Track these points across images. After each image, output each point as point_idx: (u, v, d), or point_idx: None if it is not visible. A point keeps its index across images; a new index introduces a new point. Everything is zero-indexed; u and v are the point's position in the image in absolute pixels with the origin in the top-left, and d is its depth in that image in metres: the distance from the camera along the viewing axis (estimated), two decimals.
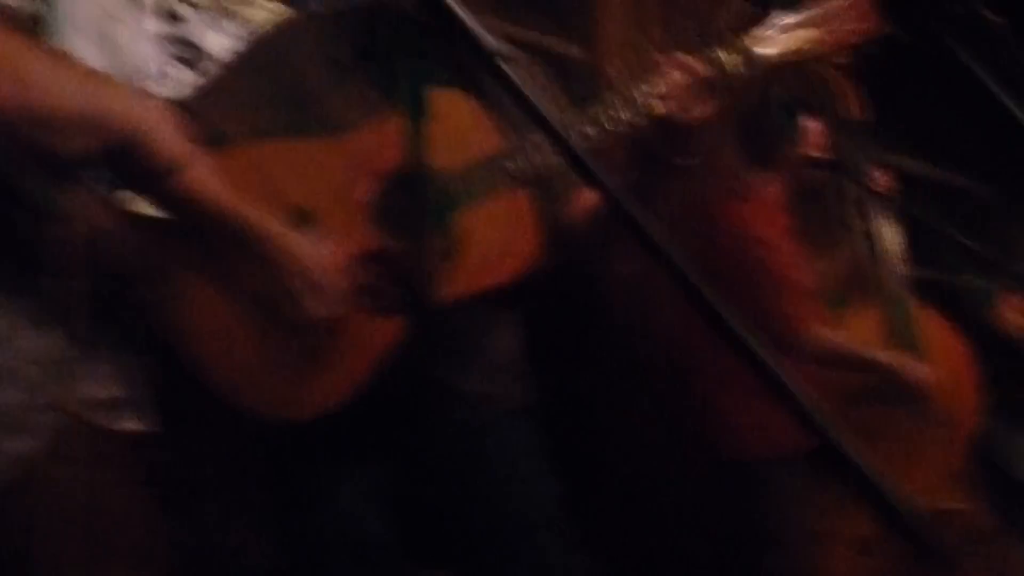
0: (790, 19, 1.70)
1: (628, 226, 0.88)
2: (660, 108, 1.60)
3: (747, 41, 1.67)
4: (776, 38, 1.67)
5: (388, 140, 1.54)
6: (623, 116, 1.61)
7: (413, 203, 1.58)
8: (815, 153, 2.88)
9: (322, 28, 1.73)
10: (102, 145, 1.14)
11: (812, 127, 2.91)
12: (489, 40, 0.95)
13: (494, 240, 1.62)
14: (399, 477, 0.94)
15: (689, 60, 1.63)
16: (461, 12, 0.95)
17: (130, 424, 1.22)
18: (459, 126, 1.64)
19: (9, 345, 1.09)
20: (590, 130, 1.61)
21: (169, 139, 1.19)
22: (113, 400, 1.20)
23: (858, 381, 2.85)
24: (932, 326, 3.04)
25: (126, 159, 1.16)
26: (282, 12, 2.21)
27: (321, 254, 1.47)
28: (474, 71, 1.59)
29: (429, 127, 1.57)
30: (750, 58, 1.66)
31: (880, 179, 3.00)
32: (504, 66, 0.94)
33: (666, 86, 1.61)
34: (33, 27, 1.11)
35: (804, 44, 1.66)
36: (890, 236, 3.06)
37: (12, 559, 1.07)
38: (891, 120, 2.39)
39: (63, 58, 1.17)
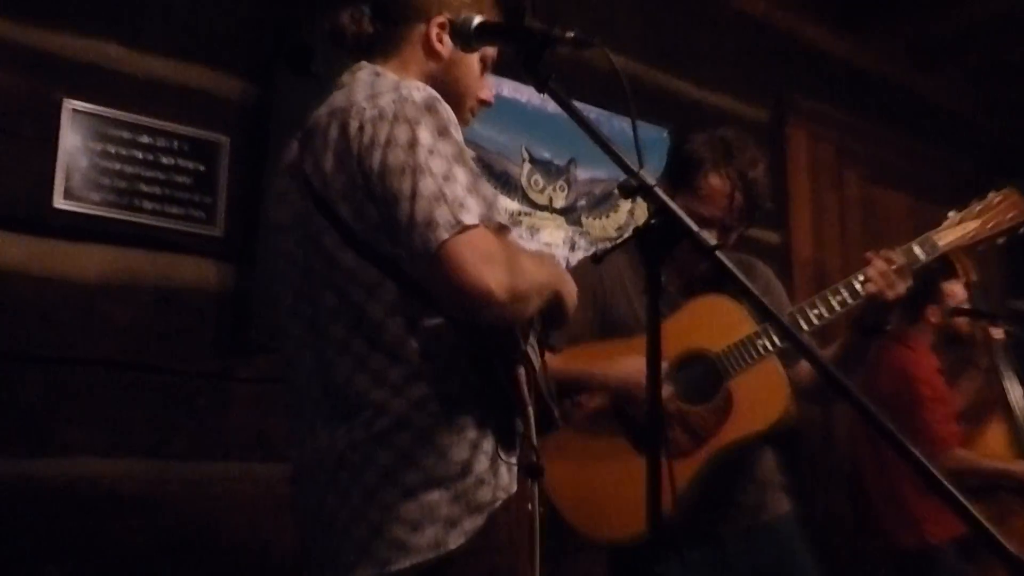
0: (958, 214, 2.14)
1: (833, 385, 1.18)
2: (869, 288, 2.13)
3: (931, 235, 2.24)
4: (950, 230, 2.11)
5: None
6: (842, 297, 2.19)
7: (698, 376, 2.20)
8: (956, 306, 3.64)
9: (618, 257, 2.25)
10: (547, 304, 1.58)
11: (952, 289, 3.63)
12: (708, 237, 1.27)
13: (756, 398, 2.17)
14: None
15: (891, 253, 2.16)
16: (688, 220, 1.28)
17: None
18: (722, 319, 2.23)
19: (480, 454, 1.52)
20: (818, 310, 2.20)
21: (569, 286, 1.66)
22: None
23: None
24: None
25: (554, 310, 1.62)
26: (559, 224, 3.22)
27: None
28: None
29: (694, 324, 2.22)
30: (934, 247, 2.21)
31: (998, 329, 3.72)
32: (722, 256, 1.25)
33: (873, 272, 2.14)
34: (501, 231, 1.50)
35: (970, 232, 2.09)
36: (1012, 372, 3.75)
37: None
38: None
39: (521, 248, 1.65)
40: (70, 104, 2.45)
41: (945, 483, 1.06)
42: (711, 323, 2.23)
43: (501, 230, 1.48)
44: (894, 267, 2.15)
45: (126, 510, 2.43)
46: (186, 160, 2.61)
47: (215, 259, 2.66)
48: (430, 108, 1.48)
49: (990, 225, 2.27)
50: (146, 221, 2.54)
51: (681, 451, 2.15)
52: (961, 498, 1.08)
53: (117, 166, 2.50)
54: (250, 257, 2.68)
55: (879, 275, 2.14)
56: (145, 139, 2.55)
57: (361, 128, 1.48)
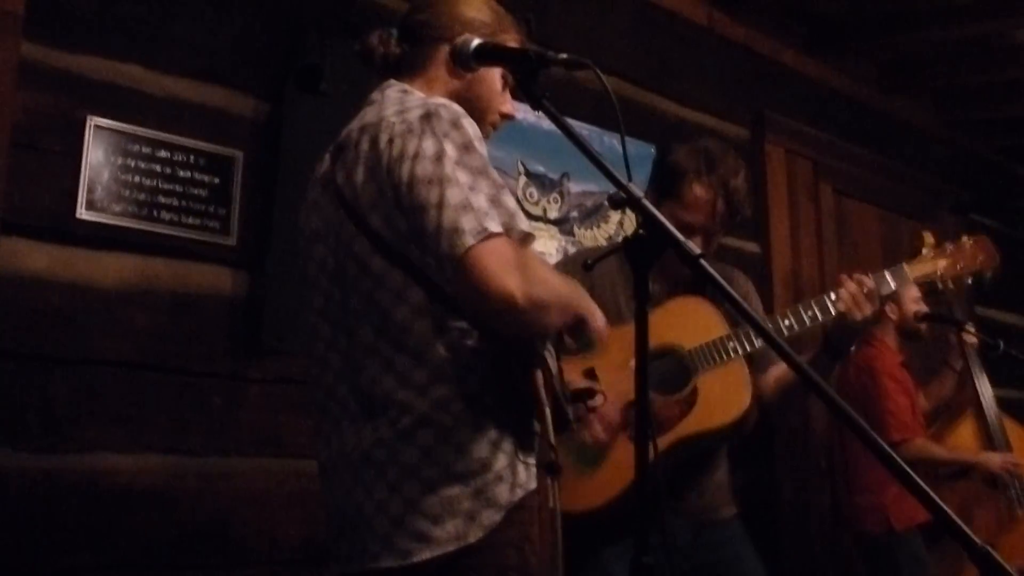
0: (931, 250, 2.20)
1: (806, 381, 1.18)
2: (840, 307, 2.18)
3: (903, 266, 2.31)
4: (921, 263, 2.17)
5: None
6: (814, 312, 2.23)
7: (668, 370, 2.20)
8: (921, 312, 3.73)
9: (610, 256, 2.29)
10: (570, 320, 1.58)
11: (909, 291, 3.69)
12: (692, 246, 1.27)
13: (720, 395, 2.19)
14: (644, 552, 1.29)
15: (863, 278, 2.21)
16: (674, 230, 1.29)
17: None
18: (697, 319, 2.25)
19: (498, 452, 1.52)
20: (789, 321, 2.24)
21: (597, 315, 1.65)
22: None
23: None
24: (1017, 431, 3.79)
25: (577, 328, 1.62)
26: (553, 234, 3.37)
27: (607, 402, 2.04)
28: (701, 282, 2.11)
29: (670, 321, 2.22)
30: (904, 278, 2.29)
31: (970, 331, 3.80)
32: (705, 264, 1.25)
33: (844, 293, 2.17)
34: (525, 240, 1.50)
35: (940, 269, 2.14)
36: (983, 374, 3.82)
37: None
38: (993, 284, 2.86)
39: (545, 262, 1.66)
40: (94, 121, 2.47)
41: (910, 472, 1.07)
42: (687, 322, 2.26)
43: (525, 239, 1.49)
44: (865, 290, 2.19)
45: (143, 504, 2.44)
46: (202, 174, 2.63)
47: (229, 267, 2.68)
48: (456, 124, 1.49)
49: (959, 265, 2.35)
50: (164, 231, 2.56)
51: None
52: (925, 487, 1.08)
53: (137, 179, 2.52)
54: (262, 265, 2.70)
55: (850, 296, 2.18)
56: (164, 154, 2.57)
57: (391, 141, 1.50)
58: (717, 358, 2.21)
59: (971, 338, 3.77)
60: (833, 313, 2.20)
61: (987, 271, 2.34)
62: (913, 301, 3.72)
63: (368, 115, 1.60)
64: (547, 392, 1.55)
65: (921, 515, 3.36)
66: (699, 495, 2.29)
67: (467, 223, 1.40)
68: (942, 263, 2.32)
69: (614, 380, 2.11)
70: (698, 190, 2.23)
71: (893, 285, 2.26)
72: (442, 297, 1.50)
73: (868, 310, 2.18)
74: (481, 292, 1.39)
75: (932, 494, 1.08)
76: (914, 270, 2.30)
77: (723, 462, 2.37)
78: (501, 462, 1.51)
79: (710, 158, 2.25)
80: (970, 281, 2.35)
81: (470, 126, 1.51)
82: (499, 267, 1.39)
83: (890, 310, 3.75)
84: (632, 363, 2.10)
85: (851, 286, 2.19)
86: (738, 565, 2.29)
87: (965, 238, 2.38)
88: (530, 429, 1.57)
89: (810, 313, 2.23)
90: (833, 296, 2.21)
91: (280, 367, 2.70)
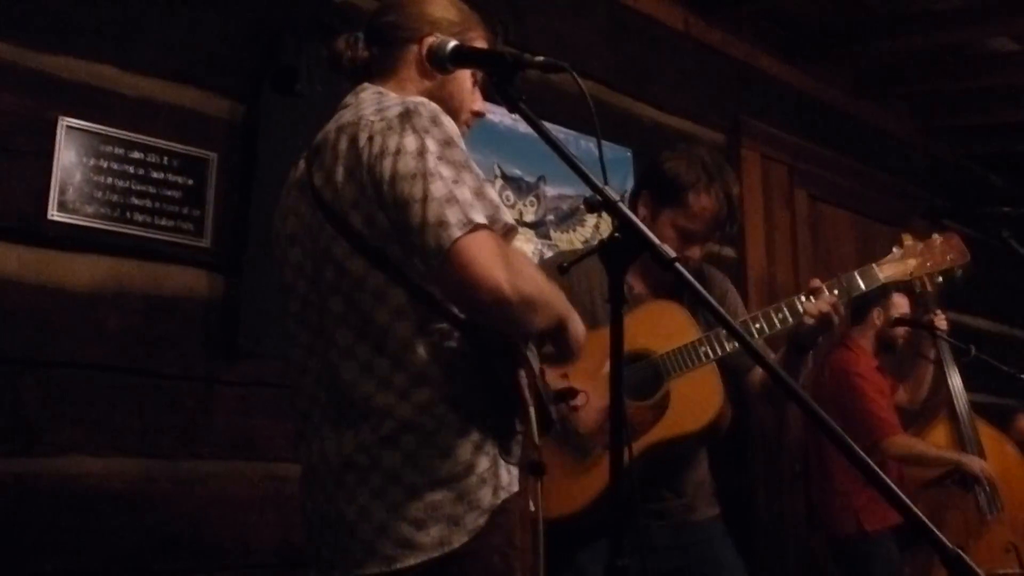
0: (901, 250, 2.21)
1: (781, 387, 1.20)
2: (809, 310, 2.18)
3: (873, 267, 2.30)
4: (891, 264, 2.18)
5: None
6: (784, 315, 2.24)
7: (640, 375, 2.22)
8: (899, 316, 3.81)
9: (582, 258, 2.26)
10: (553, 324, 1.58)
11: (898, 300, 3.83)
12: (668, 250, 1.26)
13: (691, 400, 2.20)
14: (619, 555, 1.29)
15: (832, 283, 2.24)
16: (649, 234, 1.29)
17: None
18: (669, 324, 2.27)
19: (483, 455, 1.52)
20: (760, 324, 2.25)
21: (578, 323, 1.65)
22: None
23: (932, 473, 3.62)
24: (990, 436, 3.83)
25: (558, 334, 1.62)
26: (529, 237, 3.38)
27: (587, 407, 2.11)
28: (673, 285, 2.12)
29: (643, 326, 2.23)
30: (874, 279, 2.29)
31: (941, 320, 3.80)
32: (680, 267, 1.25)
33: (814, 308, 2.18)
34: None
35: (910, 269, 2.15)
36: (956, 372, 3.85)
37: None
38: (965, 290, 2.88)
39: (529, 259, 1.72)
40: (66, 122, 2.45)
41: (882, 475, 1.08)
42: (660, 326, 2.28)
43: (509, 232, 1.49)
44: (834, 293, 2.22)
45: (115, 507, 2.42)
46: (176, 175, 2.61)
47: (202, 269, 2.66)
48: (435, 120, 1.50)
49: (929, 264, 2.33)
50: (137, 232, 2.54)
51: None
52: (897, 490, 1.09)
53: (110, 180, 2.50)
54: (236, 267, 2.68)
55: (819, 302, 2.20)
56: (137, 155, 2.56)
57: (371, 139, 1.49)
58: (689, 363, 2.22)
59: (942, 322, 3.76)
60: (802, 315, 2.21)
61: (957, 269, 2.34)
62: (899, 309, 3.74)
63: (345, 116, 1.59)
64: (531, 392, 1.55)
65: (893, 518, 3.39)
66: (678, 495, 2.31)
67: (452, 216, 1.40)
68: (912, 263, 2.32)
69: (588, 387, 2.11)
70: (704, 200, 2.29)
71: (863, 286, 2.27)
72: (423, 298, 1.50)
73: (836, 315, 2.19)
74: (469, 283, 1.39)
75: (904, 497, 1.09)
76: (884, 271, 2.30)
77: (702, 461, 2.39)
78: (483, 464, 1.50)
79: (712, 168, 2.31)
80: (940, 279, 2.35)
81: (449, 123, 1.52)
82: (487, 259, 1.39)
83: (876, 315, 3.78)
84: (606, 369, 2.12)
85: (821, 291, 2.21)
86: (716, 567, 2.30)
87: (935, 236, 2.37)
88: (513, 430, 1.56)
89: (780, 316, 2.25)
90: (803, 298, 2.23)
91: (254, 370, 2.69)
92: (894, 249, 2.36)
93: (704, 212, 2.29)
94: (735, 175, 2.38)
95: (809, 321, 2.18)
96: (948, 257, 2.33)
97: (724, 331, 2.15)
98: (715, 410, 2.21)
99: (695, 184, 2.29)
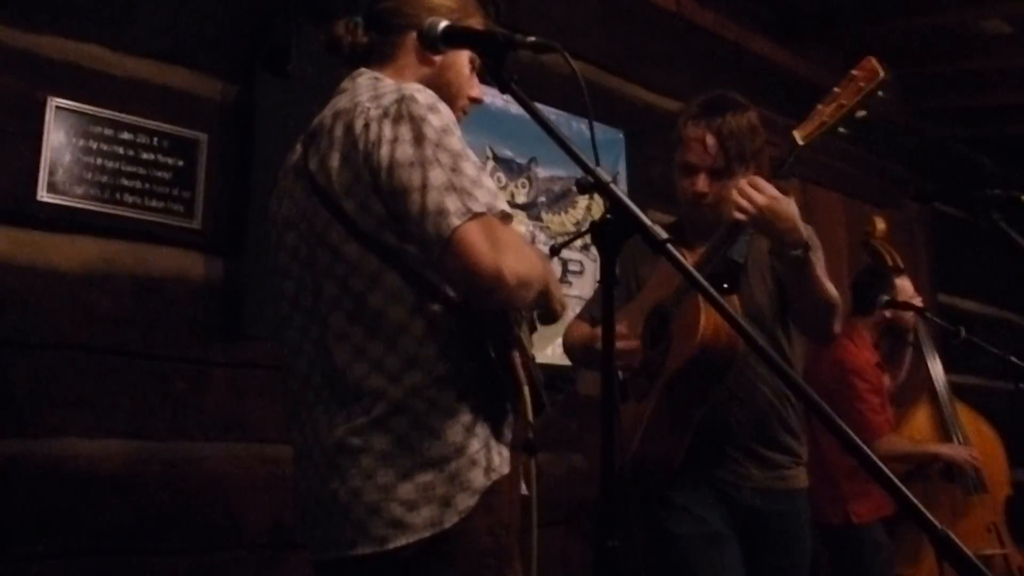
0: (818, 104, 2.20)
1: (780, 375, 1.20)
2: (737, 216, 2.14)
3: (794, 132, 2.20)
4: (809, 120, 2.12)
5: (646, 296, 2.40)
6: (720, 234, 2.19)
7: (656, 326, 2.34)
8: (891, 298, 3.64)
9: None
10: (538, 297, 1.60)
11: (903, 284, 3.69)
12: (659, 231, 1.26)
13: (683, 329, 2.24)
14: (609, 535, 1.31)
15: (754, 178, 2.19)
16: (641, 215, 1.29)
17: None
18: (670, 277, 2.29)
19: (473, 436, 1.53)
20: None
21: (557, 285, 1.72)
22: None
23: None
24: (968, 418, 3.86)
25: (544, 301, 1.66)
26: (521, 219, 3.39)
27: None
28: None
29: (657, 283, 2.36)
30: (793, 145, 2.18)
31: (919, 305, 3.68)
32: (671, 248, 1.25)
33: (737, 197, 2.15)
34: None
35: (827, 115, 2.09)
36: (935, 355, 3.87)
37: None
38: (955, 272, 2.85)
39: (523, 238, 1.82)
40: (55, 102, 2.43)
41: (872, 457, 1.09)
42: (672, 278, 2.28)
43: (504, 218, 1.50)
44: (751, 185, 2.16)
45: (107, 489, 2.42)
46: (166, 156, 2.60)
47: (193, 250, 2.66)
48: (432, 107, 1.50)
49: (845, 102, 2.16)
50: (127, 214, 2.53)
51: (642, 393, 2.30)
52: (886, 470, 1.10)
53: (99, 161, 2.49)
54: (227, 249, 2.68)
55: (740, 198, 2.15)
56: (127, 136, 2.54)
57: (367, 126, 1.50)
58: (680, 298, 2.25)
59: (917, 300, 3.71)
60: (733, 223, 2.16)
61: (876, 89, 2.14)
62: (905, 294, 3.69)
63: (341, 102, 1.59)
64: (524, 373, 1.56)
65: (883, 509, 3.42)
66: (756, 450, 2.34)
67: (452, 204, 1.41)
68: (828, 109, 2.17)
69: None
70: (690, 130, 2.35)
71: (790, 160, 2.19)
72: (417, 281, 1.51)
73: (760, 200, 2.13)
74: (470, 271, 1.41)
75: (893, 478, 1.09)
76: (803, 131, 2.18)
77: (780, 419, 2.39)
78: (475, 446, 1.52)
79: (704, 102, 2.39)
80: (864, 112, 2.15)
81: (445, 110, 1.52)
82: (486, 246, 1.41)
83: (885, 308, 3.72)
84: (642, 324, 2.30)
85: (743, 185, 2.16)
86: (798, 558, 2.38)
87: (853, 71, 2.19)
88: (504, 413, 1.58)
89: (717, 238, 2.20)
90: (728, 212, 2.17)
91: (245, 352, 2.68)
92: (810, 112, 2.22)
93: (691, 142, 2.34)
94: (748, 109, 2.42)
95: (739, 216, 2.12)
96: (862, 85, 2.15)
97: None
98: (700, 329, 2.18)
99: (682, 116, 2.40)
